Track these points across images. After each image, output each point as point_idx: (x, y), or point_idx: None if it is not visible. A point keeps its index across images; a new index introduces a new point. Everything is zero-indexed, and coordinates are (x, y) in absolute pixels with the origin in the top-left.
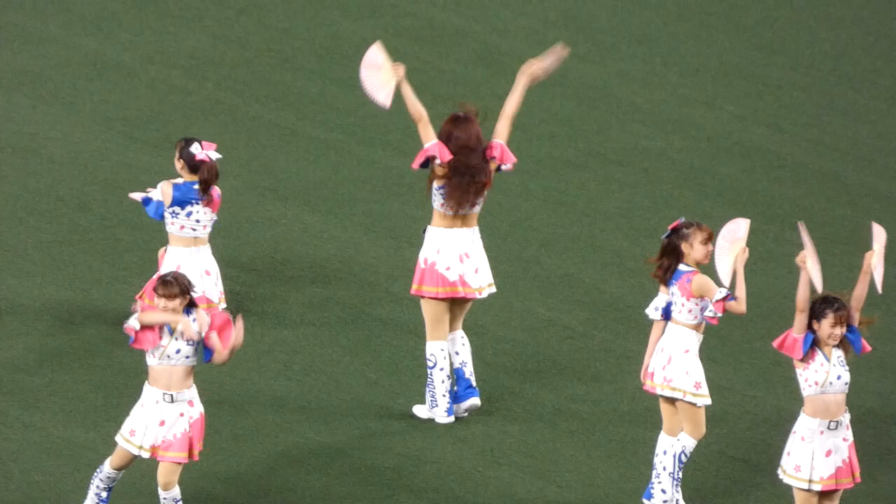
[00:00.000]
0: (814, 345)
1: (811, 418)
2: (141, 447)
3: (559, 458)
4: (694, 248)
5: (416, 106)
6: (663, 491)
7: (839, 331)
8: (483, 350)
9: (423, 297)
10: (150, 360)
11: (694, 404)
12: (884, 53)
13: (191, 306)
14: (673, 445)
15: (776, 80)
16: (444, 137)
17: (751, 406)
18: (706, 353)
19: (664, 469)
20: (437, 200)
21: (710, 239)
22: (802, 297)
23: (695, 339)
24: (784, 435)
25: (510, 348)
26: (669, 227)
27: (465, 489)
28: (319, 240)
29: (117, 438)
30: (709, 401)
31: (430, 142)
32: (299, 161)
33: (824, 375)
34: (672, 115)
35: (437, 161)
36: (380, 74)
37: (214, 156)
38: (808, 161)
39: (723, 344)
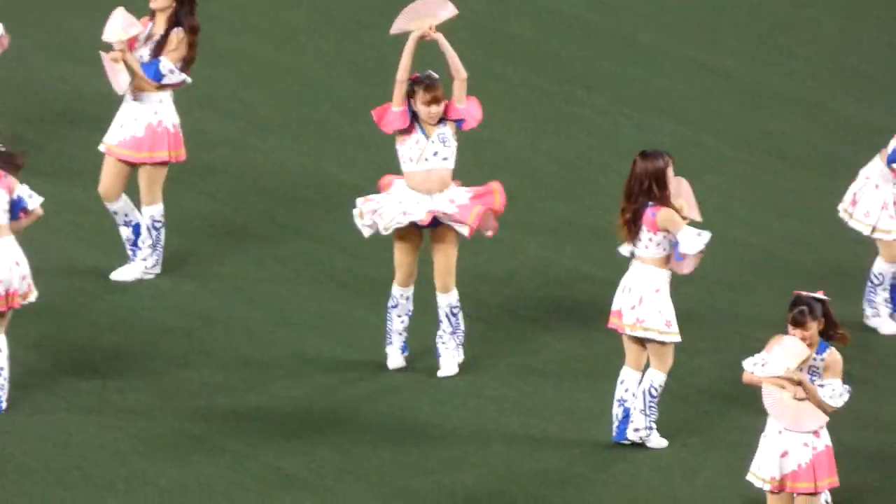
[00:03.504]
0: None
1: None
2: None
3: (350, 318)
4: (419, 108)
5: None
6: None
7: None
8: (275, 213)
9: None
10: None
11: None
12: None
13: None
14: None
15: None
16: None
17: (540, 266)
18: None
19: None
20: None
21: (434, 101)
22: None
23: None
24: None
25: (302, 209)
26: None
27: (254, 348)
28: (111, 101)
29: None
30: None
31: None
32: (94, 22)
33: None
34: None
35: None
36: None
37: None
38: (598, 21)
39: (513, 205)
